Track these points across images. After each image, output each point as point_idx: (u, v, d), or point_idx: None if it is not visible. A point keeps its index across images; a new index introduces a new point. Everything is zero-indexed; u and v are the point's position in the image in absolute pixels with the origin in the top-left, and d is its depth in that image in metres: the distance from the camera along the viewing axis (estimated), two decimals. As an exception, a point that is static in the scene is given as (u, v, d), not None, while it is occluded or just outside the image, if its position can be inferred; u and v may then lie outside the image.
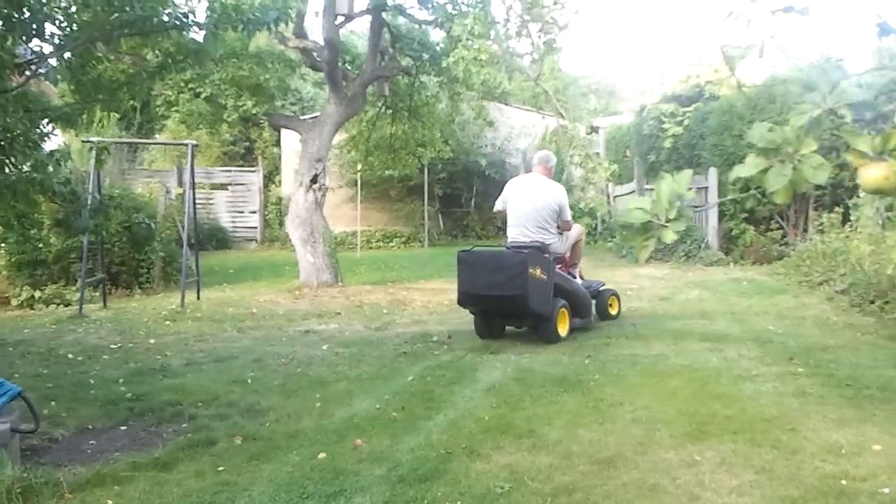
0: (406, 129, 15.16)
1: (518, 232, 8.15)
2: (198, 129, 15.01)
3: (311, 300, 11.24)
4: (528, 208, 8.11)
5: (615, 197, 19.94)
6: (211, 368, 7.11)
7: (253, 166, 22.98)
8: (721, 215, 13.94)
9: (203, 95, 12.30)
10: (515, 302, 7.52)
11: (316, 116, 14.37)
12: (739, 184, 13.64)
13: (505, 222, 8.50)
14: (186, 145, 11.81)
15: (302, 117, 15.44)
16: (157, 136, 23.83)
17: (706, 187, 14.14)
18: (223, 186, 22.38)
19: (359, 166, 17.61)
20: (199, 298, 11.75)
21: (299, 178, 12.68)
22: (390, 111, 15.19)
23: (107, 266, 12.99)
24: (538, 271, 7.50)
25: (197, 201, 21.69)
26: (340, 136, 16.62)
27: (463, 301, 7.99)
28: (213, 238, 20.98)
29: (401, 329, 8.74)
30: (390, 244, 21.73)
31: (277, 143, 23.77)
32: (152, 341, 8.50)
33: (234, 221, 22.00)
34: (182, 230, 11.49)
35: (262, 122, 12.19)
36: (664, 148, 15.63)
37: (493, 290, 7.58)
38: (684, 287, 11.23)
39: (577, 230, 8.82)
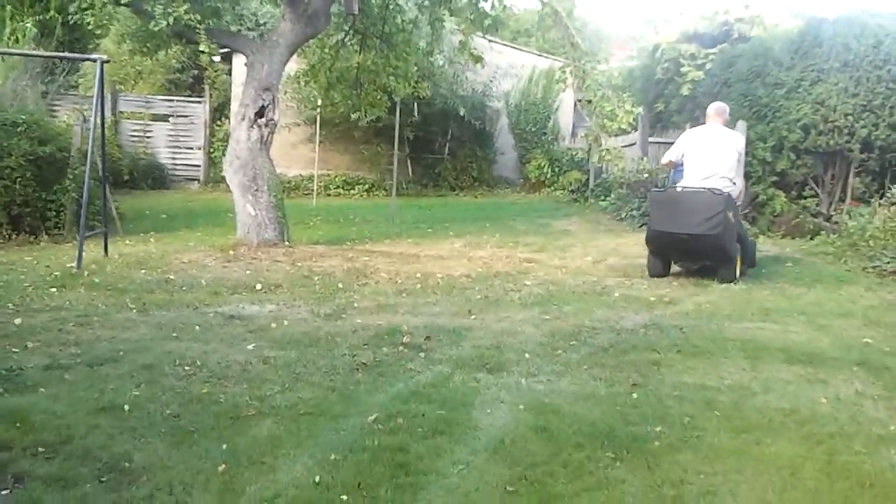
0: (376, 59, 12.68)
1: (701, 180, 8.13)
2: (142, 51, 12.37)
3: (248, 264, 8.89)
4: (713, 157, 8.22)
5: (589, 150, 17.71)
6: (79, 378, 4.79)
7: (201, 97, 20.25)
8: (746, 177, 11.71)
9: (125, 0, 9.76)
10: (711, 241, 7.81)
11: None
12: (772, 141, 11.52)
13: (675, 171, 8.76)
14: (95, 60, 9.26)
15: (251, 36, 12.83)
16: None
17: (731, 143, 11.93)
18: (164, 118, 19.67)
19: (319, 101, 15.09)
20: (106, 254, 9.35)
21: (242, 111, 10.24)
22: (359, 36, 12.70)
23: (6, 206, 10.62)
24: (731, 214, 7.80)
25: (133, 133, 19.28)
26: (298, 65, 14.12)
27: (653, 238, 8.23)
28: (149, 176, 18.49)
29: (360, 318, 6.43)
30: (351, 192, 19.30)
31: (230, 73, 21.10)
32: (18, 322, 6.12)
33: (174, 158, 19.36)
34: (87, 164, 9.02)
35: (198, 34, 9.60)
36: (678, 95, 13.37)
37: (689, 228, 7.77)
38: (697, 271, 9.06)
39: (741, 182, 8.79)
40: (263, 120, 10.10)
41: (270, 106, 10.17)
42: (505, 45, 21.11)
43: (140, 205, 15.50)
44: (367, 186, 19.48)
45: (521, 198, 19.34)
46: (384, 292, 7.55)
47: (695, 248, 8.13)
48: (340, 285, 7.83)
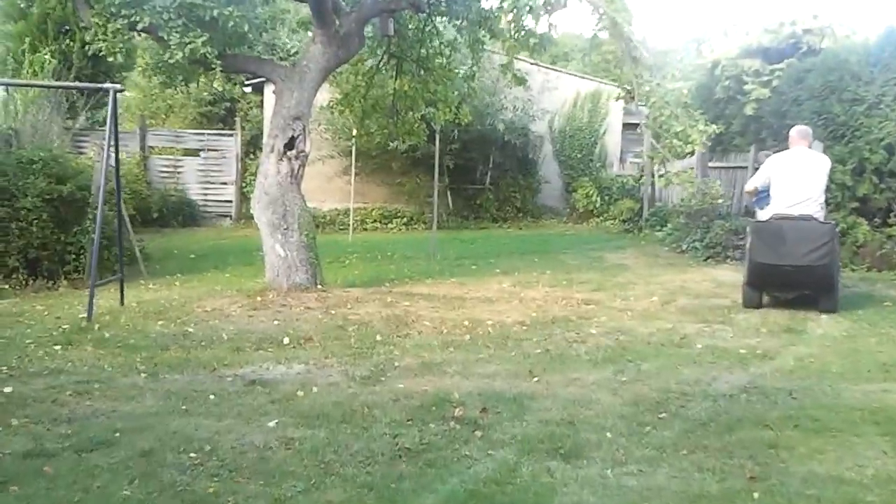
0: (414, 84, 11.82)
1: (792, 206, 7.89)
2: (166, 83, 11.54)
3: (276, 312, 8.00)
4: (805, 182, 8.00)
5: (660, 176, 16.69)
6: (62, 470, 3.92)
7: (232, 130, 19.52)
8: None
9: (140, 26, 9.02)
10: (820, 272, 7.59)
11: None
12: (852, 163, 10.43)
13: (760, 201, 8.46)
14: (108, 91, 8.48)
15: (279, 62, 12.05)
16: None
17: (805, 167, 10.84)
18: (195, 153, 18.99)
19: (354, 132, 14.24)
20: (122, 302, 8.52)
21: (270, 142, 9.40)
22: (394, 61, 11.85)
23: (22, 250, 9.89)
24: (835, 242, 7.69)
25: (162, 169, 18.62)
26: (331, 94, 13.35)
27: (757, 272, 7.93)
28: (179, 213, 17.78)
29: (401, 381, 5.47)
30: (389, 225, 18.40)
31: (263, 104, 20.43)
32: (8, 390, 5.30)
33: (205, 194, 18.61)
34: (100, 204, 8.24)
35: (214, 66, 8.85)
36: (740, 115, 12.30)
37: (797, 260, 7.56)
38: (802, 309, 8.00)
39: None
40: (294, 152, 9.27)
41: (301, 136, 9.33)
42: (548, 67, 20.25)
43: (168, 244, 14.80)
44: (405, 220, 18.58)
45: (568, 229, 18.31)
46: (428, 345, 6.60)
47: (800, 280, 7.82)
48: (379, 337, 6.89)
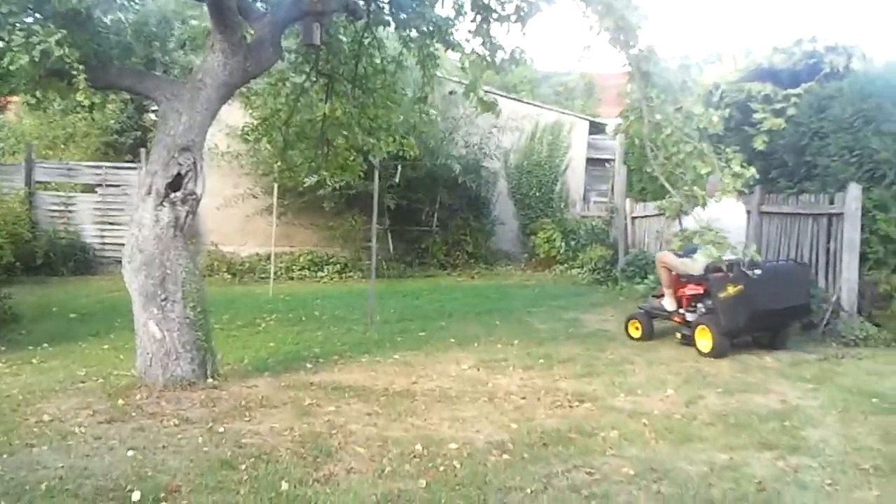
0: (349, 109, 9.43)
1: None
2: (31, 105, 8.94)
3: (137, 430, 5.45)
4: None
5: (633, 218, 14.59)
6: None
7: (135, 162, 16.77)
8: (863, 260, 8.51)
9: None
10: (802, 310, 8.38)
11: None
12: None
13: None
14: None
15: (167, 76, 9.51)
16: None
17: (838, 214, 8.75)
18: (92, 188, 16.27)
19: (277, 164, 11.76)
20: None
21: (148, 181, 6.89)
22: (324, 80, 9.46)
23: None
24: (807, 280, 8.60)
25: (52, 207, 15.85)
26: (245, 117, 10.89)
27: (752, 319, 7.87)
28: (70, 258, 15.04)
29: None
30: (320, 273, 15.76)
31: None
32: None
33: (102, 236, 15.84)
34: None
35: (76, 76, 6.38)
36: (746, 149, 10.14)
37: (787, 302, 8.00)
38: (867, 418, 5.78)
39: None
40: (180, 194, 6.77)
41: (191, 174, 6.84)
42: (503, 95, 18.13)
43: (49, 299, 12.13)
44: (338, 267, 15.96)
45: (528, 278, 15.90)
46: (362, 507, 4.15)
47: (783, 320, 8.24)
48: (284, 486, 4.41)
